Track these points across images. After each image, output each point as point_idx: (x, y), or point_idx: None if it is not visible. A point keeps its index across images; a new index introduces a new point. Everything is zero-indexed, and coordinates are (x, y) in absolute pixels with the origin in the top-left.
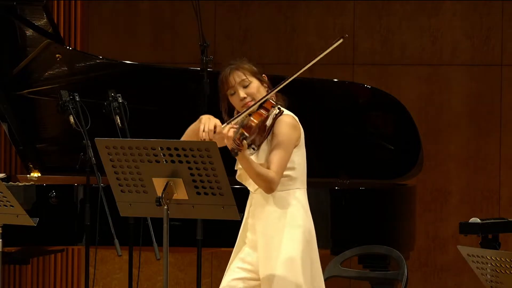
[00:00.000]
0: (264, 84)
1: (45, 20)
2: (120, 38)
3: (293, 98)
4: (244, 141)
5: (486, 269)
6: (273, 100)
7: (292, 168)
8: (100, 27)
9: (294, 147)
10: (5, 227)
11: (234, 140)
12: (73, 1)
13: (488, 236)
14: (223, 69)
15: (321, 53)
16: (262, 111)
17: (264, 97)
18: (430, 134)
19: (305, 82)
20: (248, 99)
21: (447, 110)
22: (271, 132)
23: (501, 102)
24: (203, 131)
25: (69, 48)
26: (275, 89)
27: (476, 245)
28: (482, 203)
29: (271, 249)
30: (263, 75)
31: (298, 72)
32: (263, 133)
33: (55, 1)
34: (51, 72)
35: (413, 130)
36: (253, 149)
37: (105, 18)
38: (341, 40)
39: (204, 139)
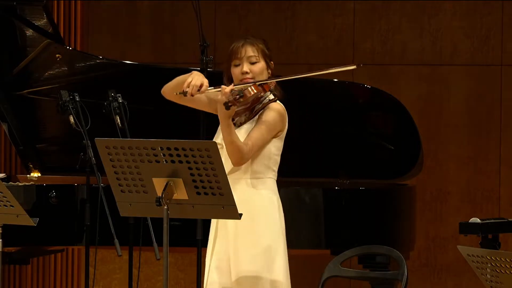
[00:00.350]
0: (269, 70)
1: (45, 20)
2: (120, 38)
3: (293, 98)
4: (238, 102)
5: (486, 269)
6: (271, 87)
7: (268, 157)
8: (100, 27)
9: (274, 137)
10: (5, 227)
11: (232, 94)
12: (73, 1)
13: (488, 236)
14: (237, 40)
15: (330, 69)
16: (261, 88)
17: (264, 80)
18: (430, 134)
19: (305, 82)
20: (249, 75)
21: (447, 110)
22: (258, 115)
23: (501, 102)
24: (189, 83)
25: (69, 48)
26: (277, 78)
27: (476, 245)
28: (482, 203)
29: (244, 240)
30: (271, 62)
31: (300, 75)
32: (250, 113)
33: (55, 1)
34: (51, 72)
35: (413, 130)
36: (234, 124)
37: (105, 18)
38: (354, 67)
39: (185, 91)
